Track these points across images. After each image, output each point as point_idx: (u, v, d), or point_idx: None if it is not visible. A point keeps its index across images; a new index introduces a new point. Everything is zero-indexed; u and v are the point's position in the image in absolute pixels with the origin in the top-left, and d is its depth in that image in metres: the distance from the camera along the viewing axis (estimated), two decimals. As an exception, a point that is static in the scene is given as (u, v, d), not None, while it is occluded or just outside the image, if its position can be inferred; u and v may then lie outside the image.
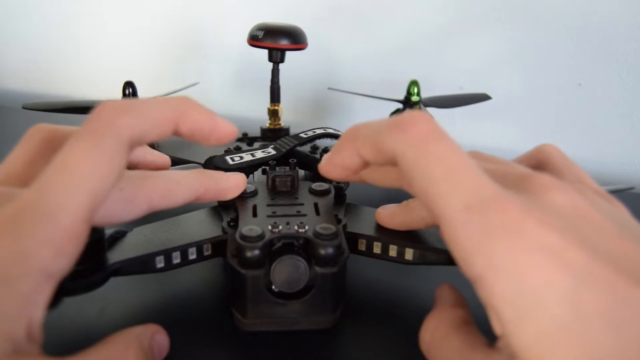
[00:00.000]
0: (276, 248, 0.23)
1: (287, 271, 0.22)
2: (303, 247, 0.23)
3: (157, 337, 0.20)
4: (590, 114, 0.51)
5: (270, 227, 0.23)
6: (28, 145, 0.21)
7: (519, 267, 0.14)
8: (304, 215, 0.25)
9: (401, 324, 0.25)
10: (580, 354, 0.13)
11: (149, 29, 0.68)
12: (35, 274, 0.16)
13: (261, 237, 0.22)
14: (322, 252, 0.22)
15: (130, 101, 0.19)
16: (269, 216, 0.25)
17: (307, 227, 0.23)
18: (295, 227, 0.23)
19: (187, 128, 0.20)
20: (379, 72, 0.58)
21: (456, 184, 0.16)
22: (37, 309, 0.16)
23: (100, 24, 0.71)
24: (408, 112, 0.18)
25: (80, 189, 0.17)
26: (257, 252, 0.22)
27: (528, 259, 0.14)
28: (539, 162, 0.22)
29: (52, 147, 0.21)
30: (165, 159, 0.27)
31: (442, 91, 0.46)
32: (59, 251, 0.16)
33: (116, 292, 0.25)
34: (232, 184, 0.25)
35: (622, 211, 0.19)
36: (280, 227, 0.23)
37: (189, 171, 0.24)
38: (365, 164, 0.21)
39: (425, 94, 0.43)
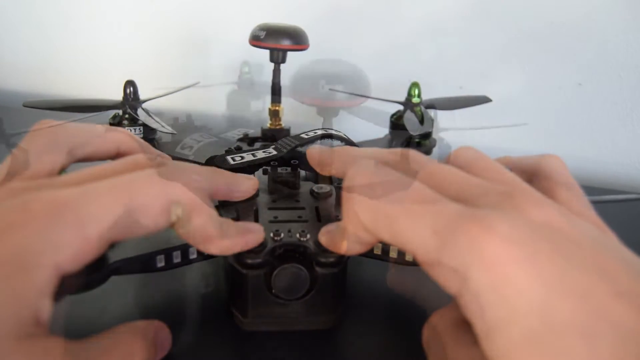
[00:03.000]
0: (278, 253, 0.23)
1: (287, 280, 0.22)
2: (304, 253, 0.23)
3: (161, 333, 0.20)
4: (590, 114, 0.51)
5: (272, 235, 0.23)
6: (34, 140, 0.21)
7: (491, 281, 0.14)
8: (305, 221, 0.25)
9: (401, 325, 0.25)
10: None
11: (150, 28, 0.68)
12: (50, 268, 0.16)
13: (263, 245, 0.22)
14: (323, 260, 0.23)
15: (205, 180, 0.22)
16: (270, 222, 0.25)
17: (308, 236, 0.23)
18: (297, 236, 0.23)
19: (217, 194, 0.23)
20: (380, 73, 0.58)
21: (418, 216, 0.16)
22: (46, 299, 0.16)
23: (101, 24, 0.71)
24: (347, 181, 0.19)
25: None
26: (259, 260, 0.22)
27: (499, 272, 0.14)
28: (537, 172, 0.21)
29: (57, 142, 0.21)
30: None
31: (442, 92, 0.46)
32: (74, 257, 0.17)
33: (116, 292, 0.25)
34: (243, 189, 0.25)
35: (608, 236, 0.18)
36: (282, 235, 0.23)
37: None
38: (371, 243, 0.20)
39: (426, 95, 0.43)
